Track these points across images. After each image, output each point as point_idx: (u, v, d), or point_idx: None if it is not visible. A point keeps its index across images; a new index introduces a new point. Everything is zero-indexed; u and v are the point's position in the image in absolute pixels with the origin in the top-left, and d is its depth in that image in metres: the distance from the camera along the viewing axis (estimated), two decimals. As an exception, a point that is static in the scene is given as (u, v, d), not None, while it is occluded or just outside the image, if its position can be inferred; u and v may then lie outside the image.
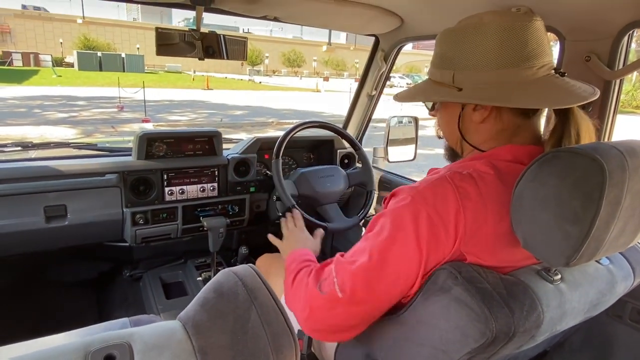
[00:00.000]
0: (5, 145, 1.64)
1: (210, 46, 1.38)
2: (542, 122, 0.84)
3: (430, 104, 0.93)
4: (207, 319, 0.48)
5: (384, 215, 0.76)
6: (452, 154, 0.95)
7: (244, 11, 1.36)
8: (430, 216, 0.71)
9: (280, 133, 1.61)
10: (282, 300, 0.54)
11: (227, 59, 1.40)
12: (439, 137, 0.95)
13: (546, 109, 0.82)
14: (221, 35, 1.40)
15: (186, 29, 1.35)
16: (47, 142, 1.72)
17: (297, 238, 1.24)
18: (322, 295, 0.78)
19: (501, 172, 0.74)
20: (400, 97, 0.90)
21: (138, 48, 42.57)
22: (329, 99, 22.07)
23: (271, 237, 1.31)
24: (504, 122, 0.79)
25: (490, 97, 0.75)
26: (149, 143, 1.56)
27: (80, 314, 1.86)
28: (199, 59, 1.40)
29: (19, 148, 1.66)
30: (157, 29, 1.27)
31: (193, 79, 30.95)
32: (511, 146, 0.78)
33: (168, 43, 1.30)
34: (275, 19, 1.49)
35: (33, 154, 1.70)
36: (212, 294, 0.51)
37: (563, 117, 0.75)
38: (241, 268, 0.55)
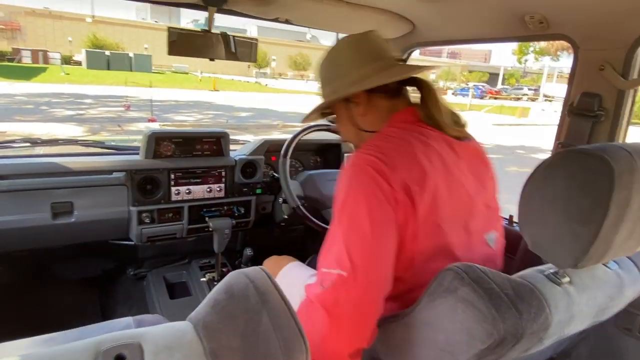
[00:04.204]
0: (13, 141, 1.65)
1: (221, 47, 1.38)
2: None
3: (333, 121, 1.13)
4: (218, 321, 0.47)
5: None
6: None
7: (256, 13, 1.36)
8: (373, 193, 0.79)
9: (287, 136, 1.61)
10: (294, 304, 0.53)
11: (237, 60, 1.40)
12: (344, 142, 1.12)
13: (410, 90, 1.01)
14: (232, 37, 1.40)
15: (198, 29, 1.35)
16: (55, 139, 1.74)
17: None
18: (328, 289, 0.76)
19: (403, 132, 0.89)
20: (304, 119, 1.12)
21: (146, 48, 42.81)
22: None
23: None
24: (377, 107, 0.97)
25: (352, 85, 0.94)
26: (157, 142, 1.57)
27: (83, 312, 1.86)
28: (210, 59, 1.40)
29: (28, 144, 1.67)
30: (169, 28, 1.27)
31: (200, 80, 31.08)
32: (395, 114, 0.95)
33: (179, 43, 1.30)
34: (287, 21, 1.49)
35: (41, 150, 1.71)
36: (223, 295, 0.50)
37: (420, 87, 0.97)
38: (252, 270, 0.54)
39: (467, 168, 0.91)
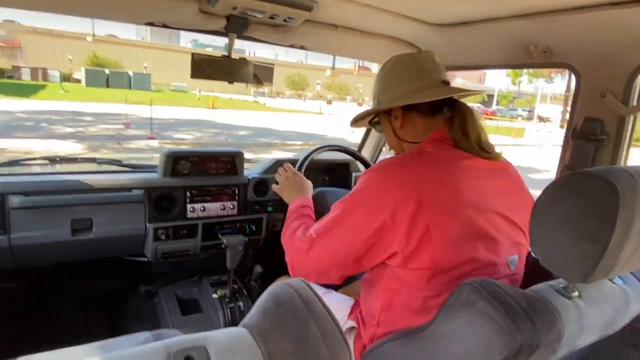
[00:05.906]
0: (33, 159, 1.70)
1: (240, 71, 1.45)
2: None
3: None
4: (271, 327, 0.51)
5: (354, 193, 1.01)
6: None
7: (274, 40, 1.44)
8: (380, 188, 0.93)
9: (296, 155, 1.66)
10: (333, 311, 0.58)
11: (257, 83, 1.47)
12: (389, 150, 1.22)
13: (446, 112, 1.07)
14: (250, 62, 1.47)
15: (218, 54, 1.42)
16: (74, 157, 1.78)
17: (293, 182, 1.45)
18: (302, 239, 1.06)
19: (434, 148, 0.99)
20: (352, 123, 1.26)
21: (145, 67, 43.17)
22: (331, 122, 22.29)
23: (274, 187, 1.48)
24: (414, 123, 1.08)
25: (389, 102, 1.08)
26: (175, 161, 1.62)
27: (93, 329, 1.87)
28: (229, 82, 1.46)
29: (47, 162, 1.71)
30: (193, 54, 1.34)
31: (198, 99, 31.30)
32: (431, 133, 1.05)
33: (202, 67, 1.37)
34: (302, 47, 1.57)
35: (59, 168, 1.76)
36: (271, 303, 0.54)
37: (453, 110, 1.05)
38: (295, 281, 0.58)
39: (492, 188, 0.97)
